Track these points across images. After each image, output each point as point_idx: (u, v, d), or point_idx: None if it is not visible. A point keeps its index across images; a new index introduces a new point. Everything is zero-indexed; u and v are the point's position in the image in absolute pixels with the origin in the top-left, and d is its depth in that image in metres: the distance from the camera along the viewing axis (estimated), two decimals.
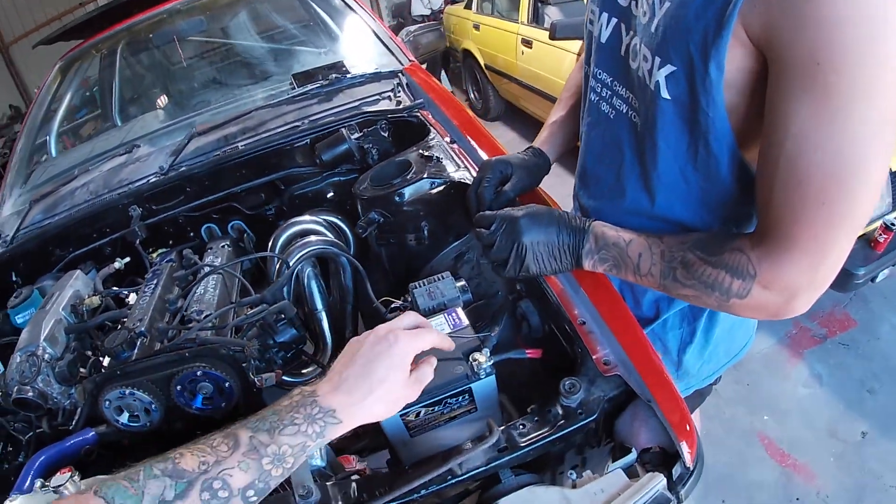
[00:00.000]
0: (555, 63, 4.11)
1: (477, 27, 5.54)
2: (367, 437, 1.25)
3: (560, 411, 0.93)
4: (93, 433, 1.30)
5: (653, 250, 0.92)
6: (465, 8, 6.02)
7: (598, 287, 1.07)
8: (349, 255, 1.44)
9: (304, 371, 1.56)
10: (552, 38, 3.60)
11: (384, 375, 0.75)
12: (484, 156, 1.56)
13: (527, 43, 4.48)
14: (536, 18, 4.52)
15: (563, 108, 1.34)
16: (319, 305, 1.55)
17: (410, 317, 0.86)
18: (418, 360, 0.82)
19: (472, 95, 6.17)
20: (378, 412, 0.77)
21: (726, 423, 2.51)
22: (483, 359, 0.91)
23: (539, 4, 4.52)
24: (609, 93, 1.02)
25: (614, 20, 0.96)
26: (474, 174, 1.48)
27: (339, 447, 1.19)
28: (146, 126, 2.26)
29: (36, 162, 2.37)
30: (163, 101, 2.85)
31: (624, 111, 0.99)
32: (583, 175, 1.19)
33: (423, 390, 0.81)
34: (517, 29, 4.64)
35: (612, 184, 1.07)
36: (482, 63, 5.55)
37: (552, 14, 4.42)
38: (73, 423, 1.36)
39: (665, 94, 0.84)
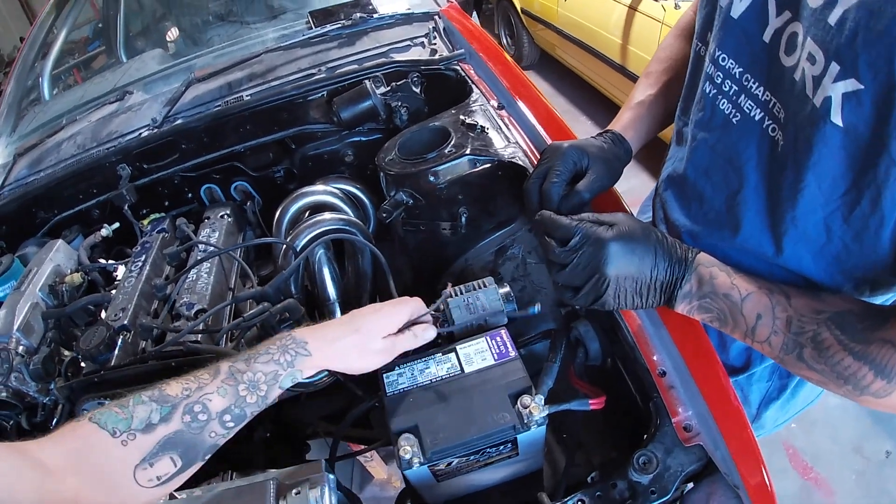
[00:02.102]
0: (601, 14, 3.72)
1: None
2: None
3: (628, 489, 0.79)
4: None
5: (776, 313, 0.74)
6: None
7: (685, 328, 0.89)
8: (372, 245, 1.18)
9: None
10: None
11: (359, 325, 0.83)
12: (540, 128, 1.28)
13: None
14: None
15: (653, 86, 1.07)
16: (332, 296, 1.32)
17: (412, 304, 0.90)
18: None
19: (505, 41, 5.77)
20: (350, 359, 0.82)
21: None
22: (537, 410, 0.76)
23: None
24: (735, 88, 0.79)
25: None
26: (528, 152, 1.22)
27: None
28: (143, 68, 1.99)
29: (26, 107, 2.12)
30: (172, 34, 2.56)
31: (757, 119, 0.76)
32: (679, 184, 0.97)
33: (461, 439, 0.77)
34: None
35: (720, 211, 0.87)
36: (518, 6, 5.11)
37: None
38: (55, 421, 1.21)
39: (836, 117, 0.62)
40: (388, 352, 0.85)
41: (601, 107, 4.22)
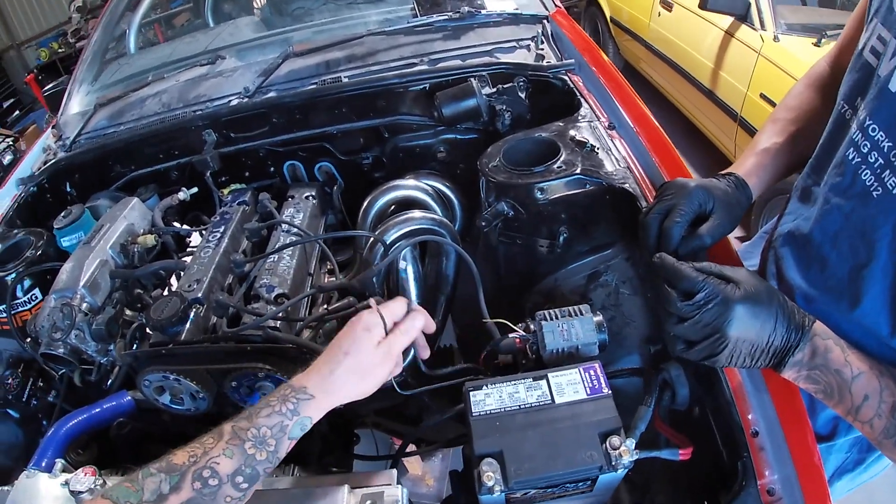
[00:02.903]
0: (695, 34, 3.60)
1: None
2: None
3: None
4: (129, 398, 1.13)
5: (883, 397, 0.75)
6: None
7: (784, 391, 0.87)
8: (462, 252, 1.11)
9: None
10: (702, 7, 3.18)
11: (347, 347, 0.81)
12: (653, 157, 1.19)
13: (666, 4, 3.95)
14: None
15: (780, 134, 1.03)
16: (413, 296, 1.26)
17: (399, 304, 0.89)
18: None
19: None
20: (352, 385, 0.80)
21: None
22: (627, 454, 0.75)
23: None
24: (882, 162, 0.77)
25: None
26: (639, 179, 1.16)
27: None
28: (236, 34, 1.96)
29: (111, 58, 2.12)
30: (259, 0, 2.54)
31: None
32: (801, 243, 0.95)
33: (546, 472, 0.75)
34: None
35: (842, 280, 0.85)
36: (607, 14, 5.00)
37: None
38: (109, 382, 1.21)
39: None
40: (388, 358, 0.84)
41: (680, 127, 4.06)
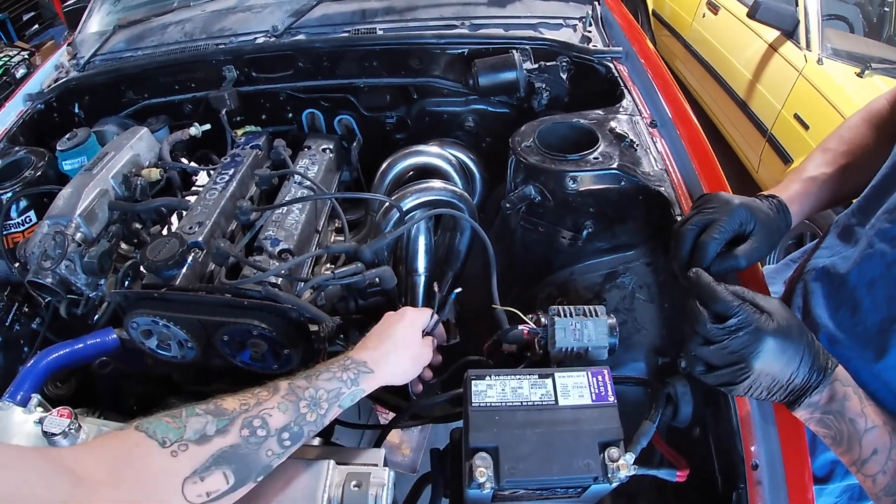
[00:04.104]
0: (737, 42, 3.47)
1: None
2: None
3: None
4: (114, 336, 1.09)
5: (891, 455, 0.74)
6: None
7: (791, 429, 0.86)
8: (480, 230, 1.05)
9: None
10: (751, 16, 3.05)
11: (403, 335, 0.87)
12: (693, 164, 1.14)
13: (713, 7, 3.84)
14: None
15: (829, 165, 1.00)
16: (422, 268, 1.22)
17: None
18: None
19: None
20: (403, 366, 0.86)
21: None
22: (624, 468, 0.73)
23: None
24: None
25: None
26: (676, 184, 1.11)
27: None
28: None
29: None
30: None
31: None
32: (834, 282, 0.92)
33: (540, 475, 0.74)
34: None
35: (870, 328, 0.83)
36: (650, 6, 4.88)
37: None
38: (96, 317, 1.15)
39: None
40: (427, 349, 0.91)
41: (706, 132, 4.00)
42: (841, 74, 2.71)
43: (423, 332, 0.92)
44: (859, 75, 2.65)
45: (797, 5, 3.03)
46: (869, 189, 0.91)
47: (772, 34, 3.12)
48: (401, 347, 0.85)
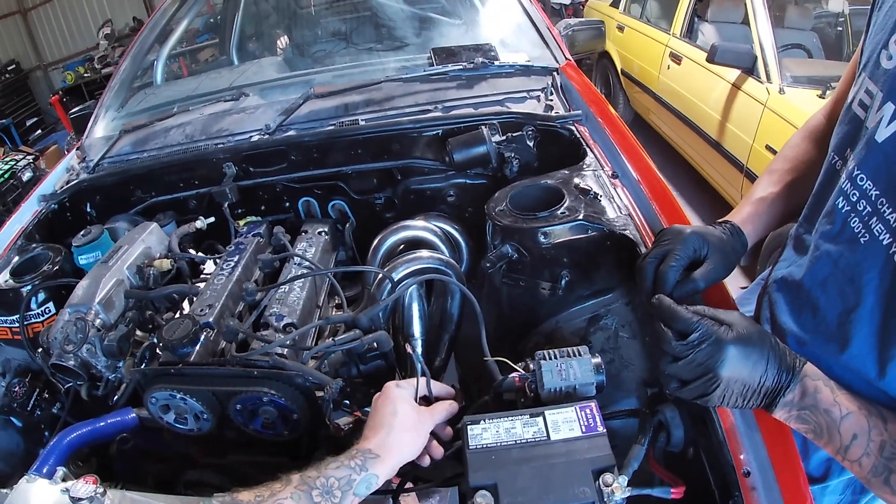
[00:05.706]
0: (703, 87, 3.70)
1: (621, 28, 5.06)
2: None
3: None
4: (134, 415, 1.17)
5: (871, 436, 0.76)
6: (610, 6, 5.60)
7: (776, 432, 0.89)
8: (467, 292, 1.15)
9: None
10: (710, 60, 3.26)
11: (392, 408, 0.88)
12: (653, 205, 1.24)
13: (675, 58, 4.06)
14: (690, 33, 4.08)
15: (776, 184, 1.08)
16: (417, 333, 1.30)
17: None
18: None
19: None
20: (405, 441, 0.87)
21: None
22: (619, 490, 0.76)
23: (696, 19, 4.07)
24: (869, 210, 0.80)
25: None
26: (639, 226, 1.20)
27: None
28: (260, 73, 2.05)
29: (137, 87, 2.21)
30: (283, 42, 2.65)
31: (885, 243, 0.77)
32: (793, 290, 0.97)
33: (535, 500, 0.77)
34: (667, 40, 4.23)
35: (830, 324, 0.88)
36: (619, 67, 5.14)
37: (707, 32, 3.99)
38: (115, 398, 1.22)
39: None
40: (430, 415, 0.93)
41: (688, 178, 4.11)
42: (803, 99, 2.85)
43: (418, 399, 0.95)
44: (821, 96, 2.78)
45: (753, 42, 3.20)
46: (811, 198, 0.97)
47: (733, 73, 3.30)
48: (395, 425, 0.86)
